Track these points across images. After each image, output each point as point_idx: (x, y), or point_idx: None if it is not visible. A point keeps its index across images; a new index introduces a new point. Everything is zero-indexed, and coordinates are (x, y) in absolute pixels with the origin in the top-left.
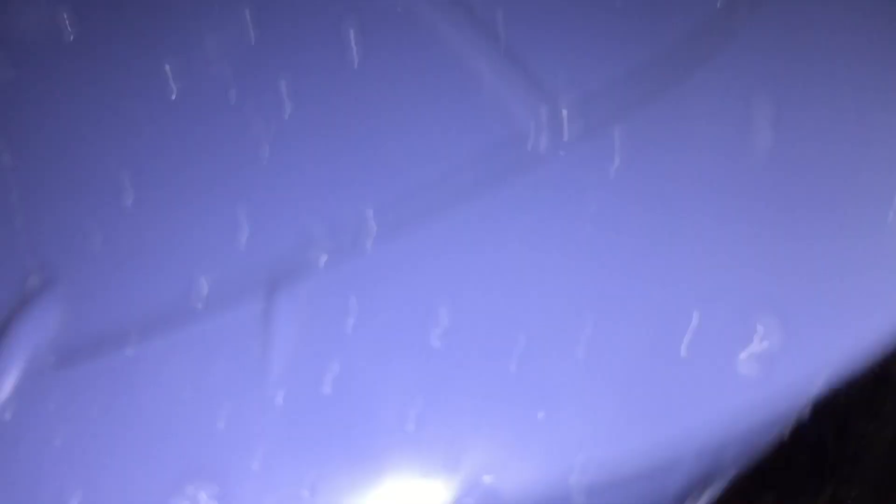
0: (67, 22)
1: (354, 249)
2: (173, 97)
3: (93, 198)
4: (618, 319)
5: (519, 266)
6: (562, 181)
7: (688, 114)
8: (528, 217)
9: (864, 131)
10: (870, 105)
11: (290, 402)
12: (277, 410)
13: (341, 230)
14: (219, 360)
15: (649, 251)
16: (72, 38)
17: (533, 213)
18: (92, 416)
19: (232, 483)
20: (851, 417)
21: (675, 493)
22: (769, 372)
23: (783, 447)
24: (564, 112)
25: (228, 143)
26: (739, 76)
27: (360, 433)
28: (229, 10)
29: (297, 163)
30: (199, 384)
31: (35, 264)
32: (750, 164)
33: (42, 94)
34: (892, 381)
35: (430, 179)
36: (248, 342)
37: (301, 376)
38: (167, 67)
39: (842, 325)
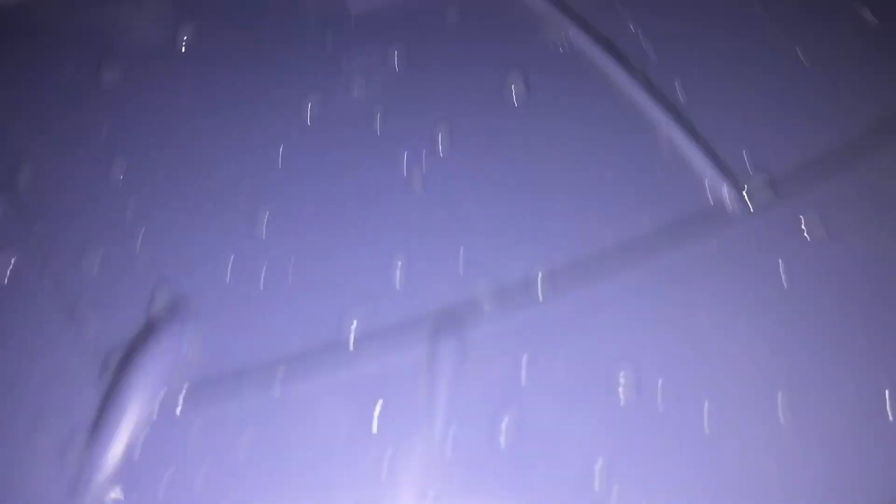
0: None
1: (529, 301)
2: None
3: (230, 219)
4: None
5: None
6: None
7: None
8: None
9: None
10: None
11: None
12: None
13: (519, 282)
14: (373, 402)
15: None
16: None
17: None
18: (233, 464)
19: None
20: None
21: None
22: None
23: None
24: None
25: (392, 178)
26: None
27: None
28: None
29: (477, 210)
30: (357, 431)
31: (161, 282)
32: None
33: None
34: None
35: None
36: (411, 388)
37: (470, 428)
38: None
39: None
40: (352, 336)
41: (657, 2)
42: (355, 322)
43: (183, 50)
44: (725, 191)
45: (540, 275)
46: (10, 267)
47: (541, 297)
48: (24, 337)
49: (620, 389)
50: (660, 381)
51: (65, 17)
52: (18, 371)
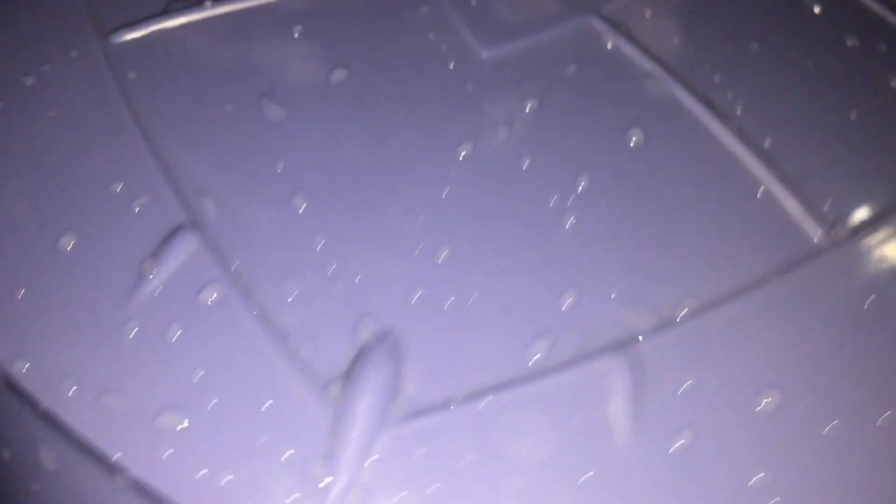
0: None
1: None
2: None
3: (412, 253)
4: None
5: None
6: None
7: None
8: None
9: None
10: None
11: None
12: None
13: (663, 304)
14: (568, 416)
15: None
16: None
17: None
18: (456, 486)
19: None
20: None
21: None
22: None
23: None
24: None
25: (547, 217)
26: None
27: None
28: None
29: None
30: (551, 439)
31: (363, 314)
32: None
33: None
34: None
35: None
36: (594, 400)
37: (650, 436)
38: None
39: None
40: (536, 360)
41: (747, 62)
42: (541, 349)
43: (338, 90)
44: (815, 230)
45: (689, 305)
46: (215, 301)
47: (690, 324)
48: (241, 371)
49: (765, 402)
50: (795, 394)
51: (223, 51)
52: (244, 405)
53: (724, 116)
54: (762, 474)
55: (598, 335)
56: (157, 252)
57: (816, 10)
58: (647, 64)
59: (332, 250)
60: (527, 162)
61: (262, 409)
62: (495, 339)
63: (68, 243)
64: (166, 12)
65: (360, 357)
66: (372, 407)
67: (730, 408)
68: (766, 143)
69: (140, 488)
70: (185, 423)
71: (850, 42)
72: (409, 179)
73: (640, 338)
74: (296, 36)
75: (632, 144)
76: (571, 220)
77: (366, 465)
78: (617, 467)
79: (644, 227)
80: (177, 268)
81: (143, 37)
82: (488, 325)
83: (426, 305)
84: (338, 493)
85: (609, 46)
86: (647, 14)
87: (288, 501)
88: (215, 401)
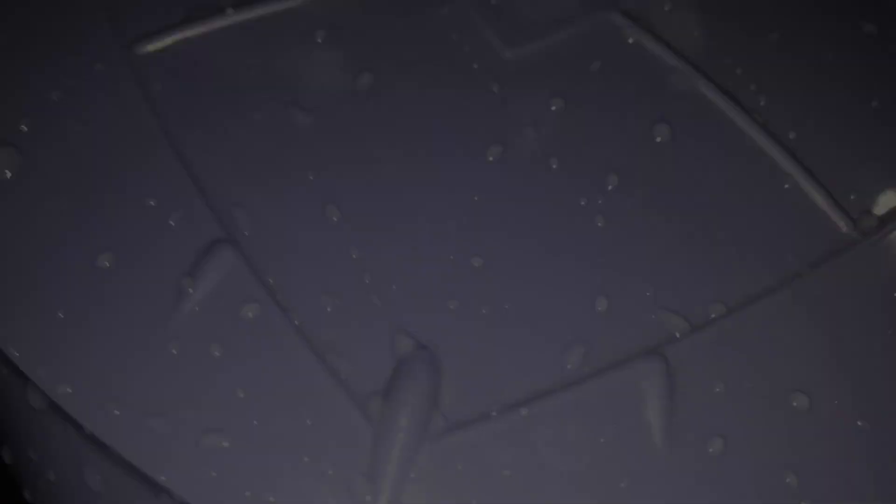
0: None
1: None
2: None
3: (446, 262)
4: None
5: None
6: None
7: None
8: None
9: None
10: None
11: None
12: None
13: (695, 306)
14: (605, 422)
15: None
16: None
17: None
18: (490, 481)
19: None
20: None
21: None
22: None
23: None
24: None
25: (576, 218)
26: None
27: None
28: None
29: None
30: (589, 448)
31: (399, 326)
32: None
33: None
34: None
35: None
36: (630, 407)
37: (686, 443)
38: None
39: None
40: (572, 366)
41: (767, 53)
42: (576, 356)
43: (364, 96)
44: (843, 222)
45: (721, 305)
46: (253, 319)
47: (722, 325)
48: (282, 391)
49: (796, 403)
50: (827, 394)
51: (246, 58)
52: (286, 425)
53: (749, 110)
54: (795, 477)
55: (631, 341)
56: (195, 270)
57: None
58: (669, 58)
59: (366, 261)
60: (555, 163)
61: (304, 429)
62: (530, 348)
63: (106, 262)
64: (187, 20)
65: (397, 372)
66: (411, 422)
67: (763, 411)
68: (791, 136)
69: None
70: (228, 445)
71: (870, 31)
72: (439, 185)
73: (674, 342)
74: (319, 41)
75: (658, 141)
76: (601, 222)
77: (407, 481)
78: (655, 475)
79: (673, 227)
80: (215, 285)
81: (166, 46)
82: (522, 334)
83: (461, 316)
84: None
85: (630, 42)
86: (666, 7)
87: None
88: (256, 421)
